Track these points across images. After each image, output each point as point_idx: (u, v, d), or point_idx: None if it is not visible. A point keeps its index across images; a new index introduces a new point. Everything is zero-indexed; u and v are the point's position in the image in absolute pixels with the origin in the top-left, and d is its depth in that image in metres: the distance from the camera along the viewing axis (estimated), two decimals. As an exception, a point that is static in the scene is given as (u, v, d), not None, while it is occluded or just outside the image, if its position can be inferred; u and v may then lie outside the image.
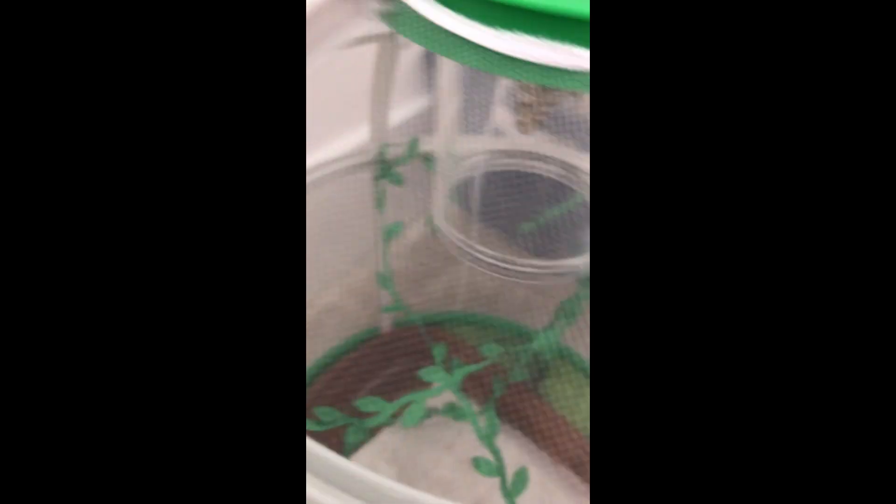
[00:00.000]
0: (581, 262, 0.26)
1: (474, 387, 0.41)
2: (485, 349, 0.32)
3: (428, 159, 0.35)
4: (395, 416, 0.31)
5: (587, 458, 0.42)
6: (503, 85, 0.28)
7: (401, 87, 0.45)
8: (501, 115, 0.30)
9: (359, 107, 0.35)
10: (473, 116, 0.30)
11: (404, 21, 0.17)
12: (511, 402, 0.44)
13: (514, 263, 0.25)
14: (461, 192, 0.31)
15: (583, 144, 0.29)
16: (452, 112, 0.29)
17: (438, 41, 0.16)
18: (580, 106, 0.27)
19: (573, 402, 0.46)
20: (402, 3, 0.17)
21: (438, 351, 0.33)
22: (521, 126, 0.23)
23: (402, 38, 0.27)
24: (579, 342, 0.49)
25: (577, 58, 0.15)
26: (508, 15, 0.15)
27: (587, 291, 0.38)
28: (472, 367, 0.32)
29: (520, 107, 0.23)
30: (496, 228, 0.29)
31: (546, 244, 0.28)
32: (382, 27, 0.19)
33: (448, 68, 0.27)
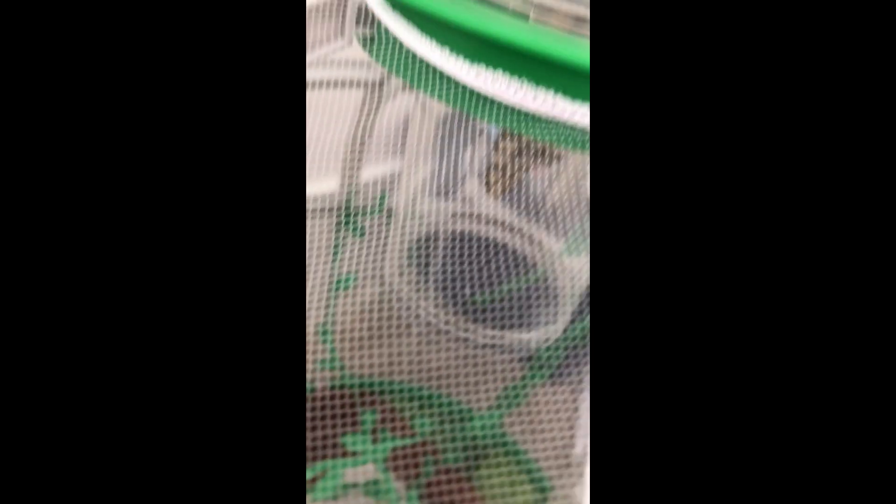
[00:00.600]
0: (533, 336, 0.24)
1: (403, 465, 0.38)
2: (417, 424, 0.30)
3: (390, 215, 0.34)
4: (308, 484, 0.27)
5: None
6: (479, 153, 0.27)
7: (378, 143, 0.44)
8: (472, 184, 0.29)
9: (333, 153, 0.34)
10: (443, 180, 0.29)
11: (382, 48, 0.16)
12: (440, 487, 0.41)
13: (468, 331, 0.23)
14: (418, 251, 0.29)
15: (548, 224, 0.28)
16: (421, 172, 0.28)
17: (414, 72, 0.15)
18: (551, 181, 0.27)
19: (508, 496, 0.43)
20: (382, 29, 0.16)
21: (367, 417, 0.30)
22: (490, 187, 0.22)
23: (387, 91, 0.26)
24: (519, 430, 0.46)
25: (560, 109, 0.14)
26: (494, 52, 0.14)
27: (536, 375, 0.36)
28: (401, 442, 0.29)
29: (491, 168, 0.22)
30: (450, 294, 0.28)
31: (499, 317, 0.27)
32: (370, 72, 0.19)
33: (421, 129, 0.26)
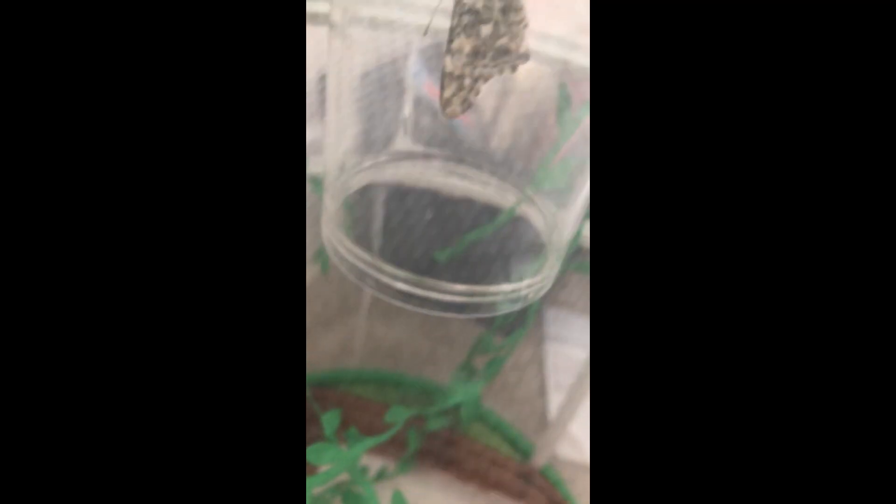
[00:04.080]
0: (512, 287, 0.20)
1: (384, 445, 0.33)
2: (390, 415, 0.25)
3: (317, 182, 0.28)
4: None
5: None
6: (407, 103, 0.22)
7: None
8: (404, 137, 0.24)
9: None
10: (374, 135, 0.23)
11: None
12: (431, 449, 0.36)
13: (433, 289, 0.19)
14: (358, 207, 0.24)
15: (508, 157, 0.23)
16: (348, 133, 0.23)
17: None
18: (511, 98, 0.22)
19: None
20: None
21: (329, 421, 0.25)
22: (446, 105, 0.17)
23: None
24: (497, 399, 0.43)
25: None
26: None
27: (509, 343, 0.32)
28: (374, 440, 0.24)
29: (445, 79, 0.17)
30: (404, 257, 0.23)
31: (469, 273, 0.22)
32: None
33: (339, 88, 0.21)
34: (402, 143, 0.25)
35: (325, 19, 0.22)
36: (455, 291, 0.18)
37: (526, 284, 0.19)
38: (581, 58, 0.21)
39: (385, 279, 0.19)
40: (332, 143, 0.23)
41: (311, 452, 0.23)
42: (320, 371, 0.44)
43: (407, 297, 0.18)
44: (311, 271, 0.42)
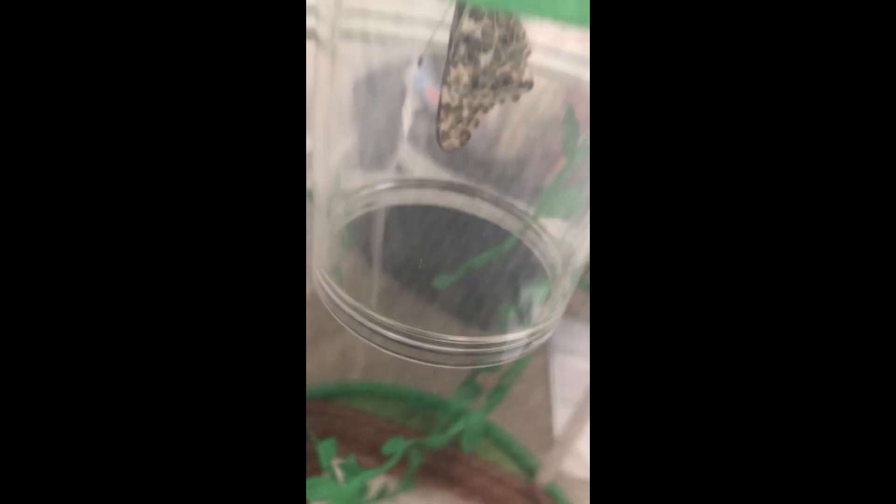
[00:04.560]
0: (526, 334, 0.18)
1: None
2: (388, 446, 0.24)
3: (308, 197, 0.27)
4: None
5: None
6: (409, 110, 0.21)
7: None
8: (406, 148, 0.23)
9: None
10: (370, 150, 0.22)
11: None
12: (433, 466, 0.36)
13: (434, 341, 0.17)
14: (357, 235, 0.23)
15: (517, 180, 0.22)
16: (341, 146, 0.22)
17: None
18: (518, 123, 0.21)
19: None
20: None
21: (326, 450, 0.24)
22: (444, 138, 0.16)
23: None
24: (501, 414, 0.42)
25: None
26: None
27: (514, 371, 0.31)
28: (372, 473, 0.24)
29: (441, 111, 0.16)
30: (404, 285, 0.22)
31: (472, 303, 0.21)
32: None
33: (331, 95, 0.20)
34: (404, 162, 0.23)
35: (312, 34, 0.21)
36: (449, 342, 0.17)
37: (527, 333, 0.18)
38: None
39: (378, 329, 0.18)
40: (320, 160, 0.22)
41: (309, 487, 0.22)
42: (321, 384, 0.43)
43: (400, 346, 0.17)
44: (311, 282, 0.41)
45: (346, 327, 0.18)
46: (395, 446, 0.24)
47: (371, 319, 0.18)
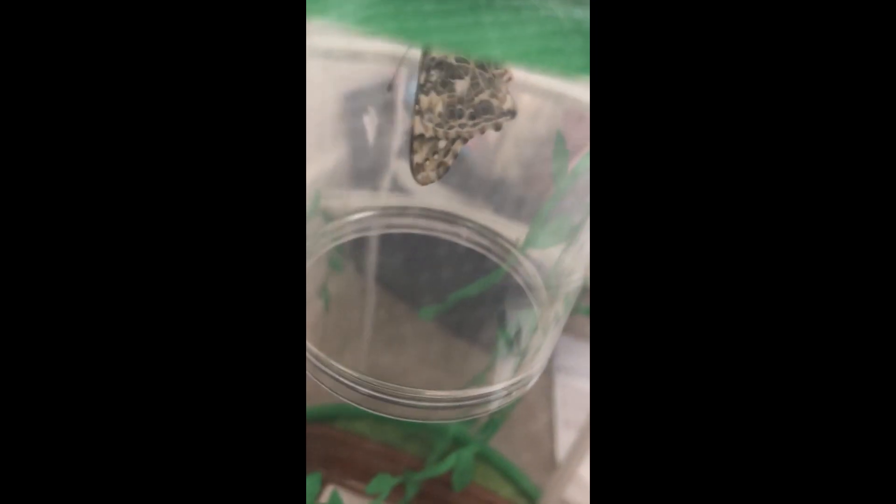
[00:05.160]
0: (488, 391, 0.17)
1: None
2: (373, 485, 0.23)
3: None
4: None
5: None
6: (400, 126, 0.20)
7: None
8: (398, 166, 0.22)
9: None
10: (362, 166, 0.21)
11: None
12: (429, 493, 0.34)
13: (394, 395, 0.16)
14: (350, 259, 0.22)
15: (498, 206, 0.21)
16: (332, 163, 0.21)
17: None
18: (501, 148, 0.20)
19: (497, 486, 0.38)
20: None
21: (311, 486, 0.23)
22: (418, 171, 0.15)
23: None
24: (501, 438, 0.41)
25: None
26: None
27: (507, 408, 0.30)
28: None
29: (414, 142, 0.14)
30: (395, 305, 0.20)
31: (460, 333, 0.20)
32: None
33: (319, 106, 0.19)
34: (392, 183, 0.22)
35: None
36: (420, 397, 0.16)
37: (503, 387, 0.17)
38: (583, 92, 0.19)
39: (344, 380, 0.16)
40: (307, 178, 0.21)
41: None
42: (319, 405, 0.42)
43: (375, 401, 0.16)
44: (315, 307, 0.40)
45: (313, 377, 0.17)
46: (381, 485, 0.23)
47: (342, 374, 0.16)
